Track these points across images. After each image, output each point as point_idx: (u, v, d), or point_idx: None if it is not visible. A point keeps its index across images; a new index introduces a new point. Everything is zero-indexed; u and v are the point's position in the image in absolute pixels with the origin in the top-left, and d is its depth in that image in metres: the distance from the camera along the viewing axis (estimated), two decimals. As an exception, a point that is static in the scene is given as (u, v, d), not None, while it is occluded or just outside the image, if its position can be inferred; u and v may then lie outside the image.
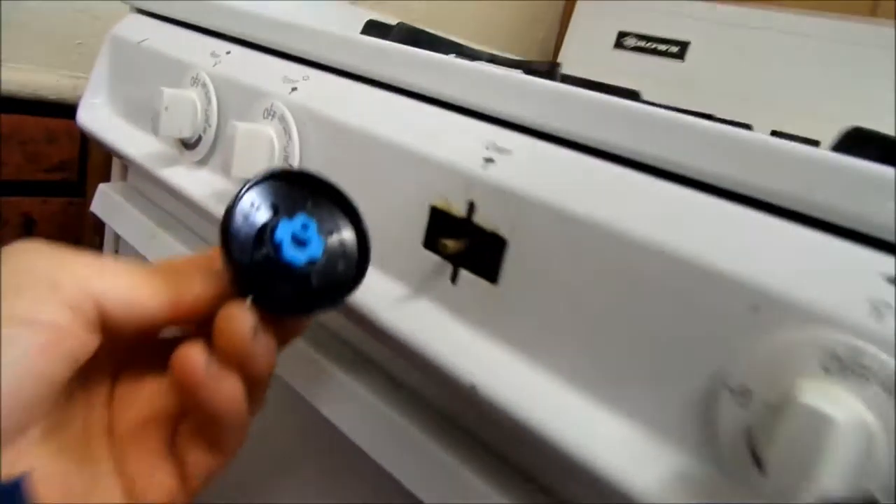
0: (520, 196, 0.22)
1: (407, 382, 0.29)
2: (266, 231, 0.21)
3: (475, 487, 0.24)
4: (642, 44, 0.75)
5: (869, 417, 0.15)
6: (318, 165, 0.30)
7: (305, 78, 0.32)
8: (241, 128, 0.29)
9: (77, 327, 0.19)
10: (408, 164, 0.26)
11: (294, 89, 0.31)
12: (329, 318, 0.32)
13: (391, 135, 0.27)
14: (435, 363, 0.23)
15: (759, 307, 0.17)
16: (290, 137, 0.29)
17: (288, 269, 0.21)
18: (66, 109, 0.60)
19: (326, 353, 0.30)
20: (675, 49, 0.73)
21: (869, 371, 0.15)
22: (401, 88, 0.28)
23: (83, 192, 0.66)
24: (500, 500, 0.23)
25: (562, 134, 0.23)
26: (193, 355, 0.20)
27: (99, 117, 0.48)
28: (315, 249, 0.21)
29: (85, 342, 0.19)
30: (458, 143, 0.25)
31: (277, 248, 0.21)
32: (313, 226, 0.21)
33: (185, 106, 0.36)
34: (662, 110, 0.20)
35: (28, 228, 0.65)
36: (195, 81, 0.37)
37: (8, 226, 0.63)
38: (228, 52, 0.37)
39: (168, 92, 0.35)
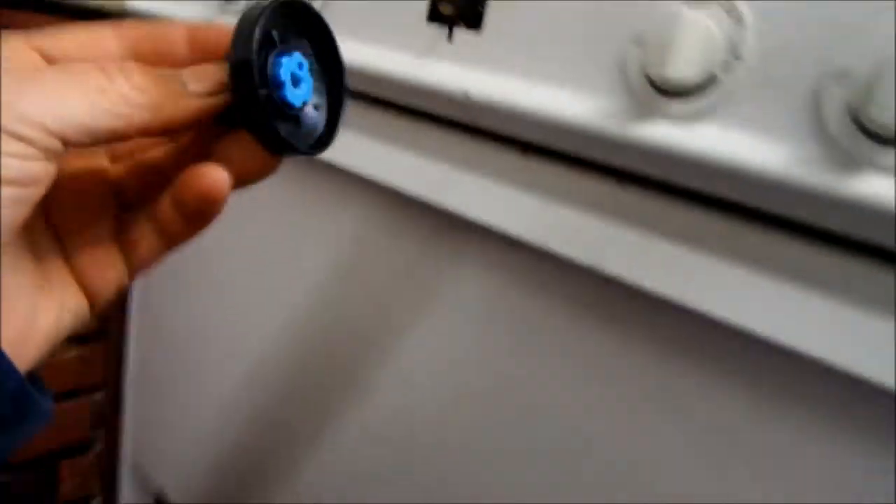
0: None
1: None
2: (269, 66, 0.20)
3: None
4: None
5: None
6: None
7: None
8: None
9: (43, 168, 0.18)
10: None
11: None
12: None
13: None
14: (431, 86, 0.33)
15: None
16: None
17: (286, 107, 0.21)
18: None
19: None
20: None
21: None
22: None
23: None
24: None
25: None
26: (223, 180, 0.21)
27: None
28: (307, 90, 0.21)
29: (41, 172, 0.18)
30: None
31: (280, 86, 0.20)
32: (306, 65, 0.21)
33: None
34: None
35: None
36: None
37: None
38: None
39: None
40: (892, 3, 0.22)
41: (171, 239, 0.23)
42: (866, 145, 0.22)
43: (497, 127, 0.33)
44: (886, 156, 0.22)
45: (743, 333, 0.26)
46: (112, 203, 0.23)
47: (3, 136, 0.17)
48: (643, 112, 0.27)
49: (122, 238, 0.23)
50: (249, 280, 0.53)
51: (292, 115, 0.21)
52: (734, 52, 0.24)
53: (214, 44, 0.22)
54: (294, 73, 0.21)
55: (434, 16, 0.34)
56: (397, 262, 0.41)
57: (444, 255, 0.38)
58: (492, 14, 0.32)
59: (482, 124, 0.33)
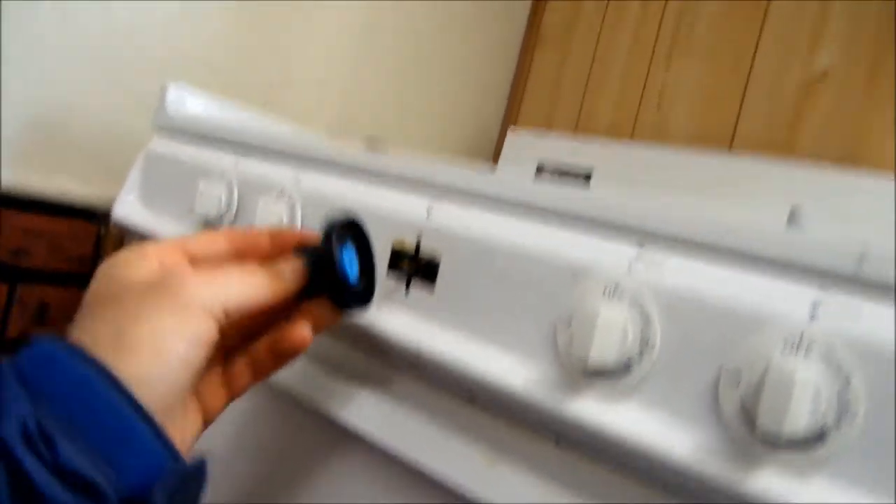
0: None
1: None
2: (338, 255, 0.33)
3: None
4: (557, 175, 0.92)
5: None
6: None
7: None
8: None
9: (212, 330, 0.28)
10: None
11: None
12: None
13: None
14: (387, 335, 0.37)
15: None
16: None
17: (348, 284, 0.34)
18: (88, 213, 0.73)
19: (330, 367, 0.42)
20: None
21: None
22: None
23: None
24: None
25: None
26: (308, 334, 0.33)
27: (132, 211, 0.60)
28: (356, 270, 0.35)
29: (214, 336, 0.28)
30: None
31: (344, 271, 0.33)
32: (353, 252, 0.35)
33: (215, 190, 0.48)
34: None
35: (42, 312, 0.74)
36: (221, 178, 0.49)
37: (26, 309, 0.72)
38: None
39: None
40: (780, 313, 0.26)
41: (262, 373, 0.34)
42: (757, 443, 0.25)
43: (444, 380, 0.36)
44: (775, 454, 0.25)
45: None
46: (221, 348, 0.33)
47: (205, 315, 0.27)
48: (570, 386, 0.30)
49: (226, 371, 0.33)
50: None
51: (351, 285, 0.34)
52: (645, 343, 0.28)
53: (289, 241, 0.34)
54: (350, 258, 0.34)
55: (393, 265, 0.39)
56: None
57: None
58: (444, 272, 0.36)
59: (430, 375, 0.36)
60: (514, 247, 0.34)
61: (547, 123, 1.16)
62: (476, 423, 0.35)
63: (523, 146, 0.99)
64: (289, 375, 0.42)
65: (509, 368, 0.32)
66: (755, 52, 0.94)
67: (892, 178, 0.67)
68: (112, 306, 0.27)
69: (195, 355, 0.27)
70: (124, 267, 0.29)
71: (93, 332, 0.26)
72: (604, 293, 0.30)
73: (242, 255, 0.34)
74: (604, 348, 0.28)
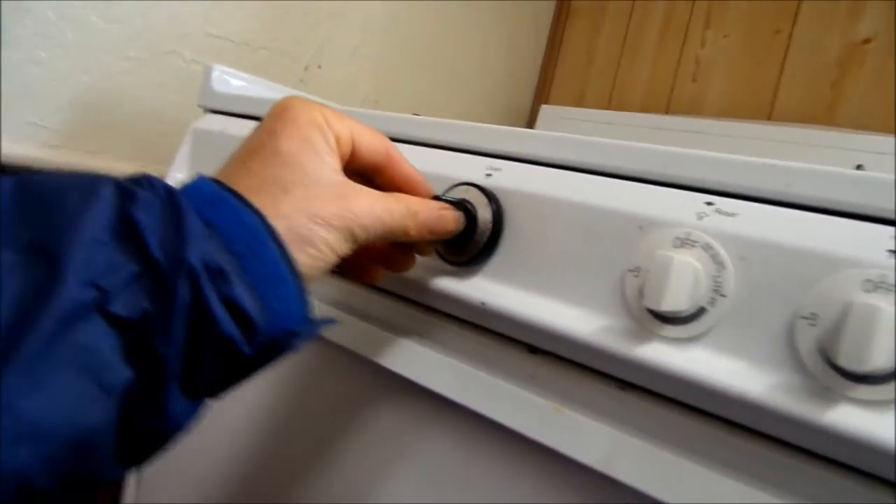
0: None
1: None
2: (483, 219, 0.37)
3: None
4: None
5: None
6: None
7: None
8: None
9: (347, 245, 0.30)
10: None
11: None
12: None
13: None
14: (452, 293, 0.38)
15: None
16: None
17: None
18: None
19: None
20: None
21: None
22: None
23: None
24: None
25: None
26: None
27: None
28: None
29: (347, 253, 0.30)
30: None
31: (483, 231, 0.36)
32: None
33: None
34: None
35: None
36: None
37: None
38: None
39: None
40: (856, 254, 0.26)
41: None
42: (837, 380, 0.25)
43: (508, 332, 0.36)
44: (855, 390, 0.25)
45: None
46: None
47: (345, 231, 0.29)
48: (640, 333, 0.30)
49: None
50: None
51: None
52: (718, 290, 0.29)
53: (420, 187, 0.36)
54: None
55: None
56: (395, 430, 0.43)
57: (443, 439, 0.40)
58: (508, 236, 0.37)
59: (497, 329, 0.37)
60: (577, 203, 0.34)
61: (579, 99, 1.15)
62: (540, 373, 0.35)
63: (557, 121, 0.99)
64: (353, 334, 0.43)
65: (577, 318, 0.32)
66: (794, 20, 0.93)
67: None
68: (274, 166, 0.29)
69: (332, 261, 0.29)
70: (303, 140, 0.30)
71: (249, 180, 0.28)
72: (674, 243, 0.30)
73: (389, 163, 0.35)
74: (677, 294, 0.28)
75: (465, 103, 1.11)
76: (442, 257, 0.38)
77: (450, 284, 0.38)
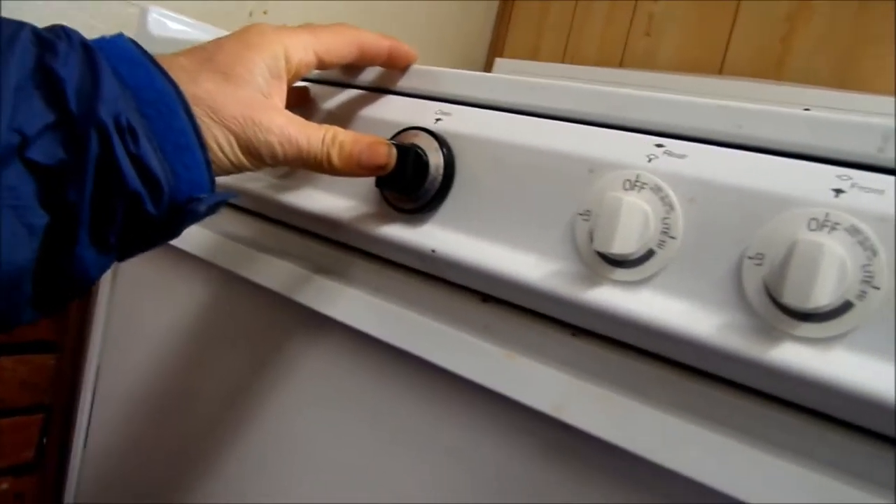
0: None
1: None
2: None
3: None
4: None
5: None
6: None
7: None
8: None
9: (243, 157, 0.30)
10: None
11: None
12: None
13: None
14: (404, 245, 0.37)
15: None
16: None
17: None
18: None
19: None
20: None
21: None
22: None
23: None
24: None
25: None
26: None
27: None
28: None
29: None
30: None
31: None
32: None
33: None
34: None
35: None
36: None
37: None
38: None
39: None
40: (803, 194, 0.26)
41: None
42: (782, 318, 0.26)
43: (459, 280, 0.36)
44: (800, 328, 0.25)
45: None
46: None
47: (242, 138, 0.30)
48: (591, 277, 0.30)
49: None
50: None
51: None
52: (667, 232, 0.28)
53: (402, 60, 0.40)
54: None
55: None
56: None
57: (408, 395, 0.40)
58: (458, 182, 0.36)
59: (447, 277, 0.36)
60: (527, 147, 0.33)
61: (534, 54, 1.14)
62: (491, 321, 0.35)
63: (511, 74, 0.97)
64: (303, 286, 0.42)
65: (528, 264, 0.32)
66: (746, -26, 0.93)
67: (891, 97, 0.68)
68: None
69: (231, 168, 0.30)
70: (252, 46, 0.31)
71: (171, 63, 0.29)
72: (623, 185, 0.30)
73: (363, 59, 0.37)
74: (626, 237, 0.28)
75: (418, 55, 1.08)
76: (392, 205, 0.37)
77: (400, 232, 0.37)
